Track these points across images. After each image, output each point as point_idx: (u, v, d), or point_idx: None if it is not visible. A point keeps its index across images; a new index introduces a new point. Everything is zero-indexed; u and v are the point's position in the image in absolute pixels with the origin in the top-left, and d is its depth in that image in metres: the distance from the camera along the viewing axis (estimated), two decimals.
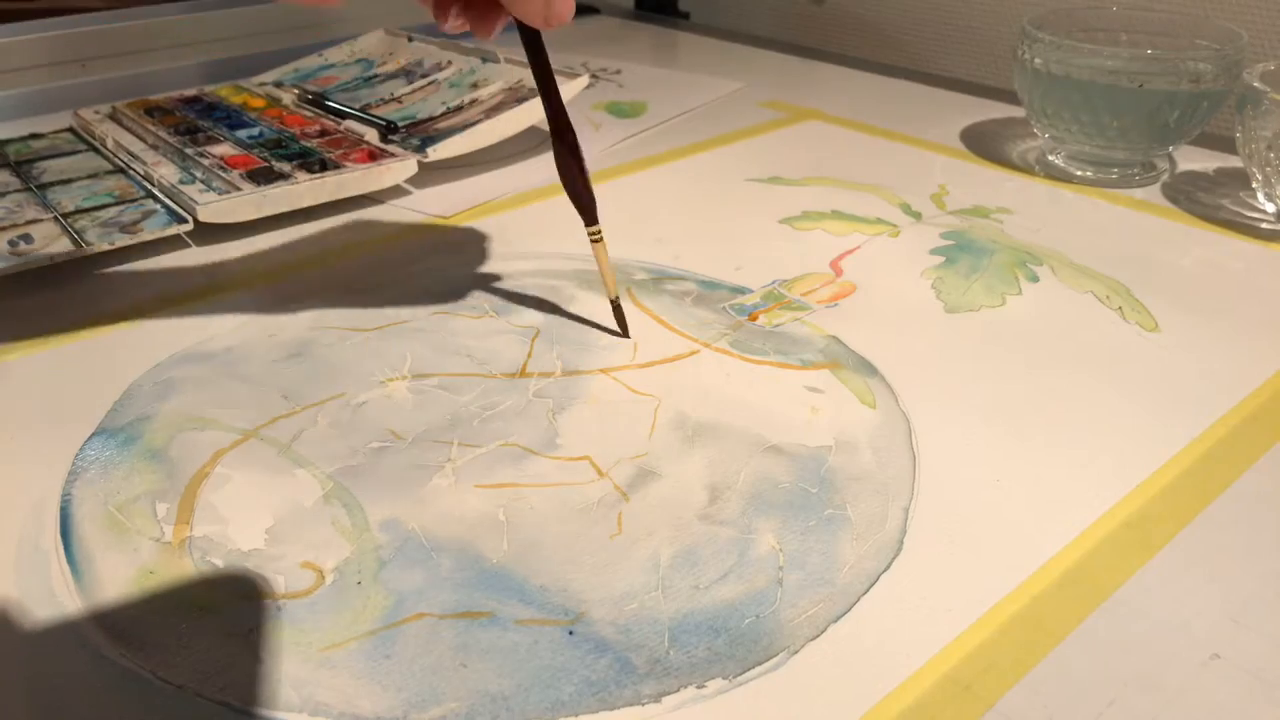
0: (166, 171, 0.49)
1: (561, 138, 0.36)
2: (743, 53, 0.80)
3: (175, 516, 0.29)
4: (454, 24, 0.33)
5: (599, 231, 0.37)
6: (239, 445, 0.32)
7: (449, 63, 0.63)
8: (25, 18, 0.71)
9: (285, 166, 0.49)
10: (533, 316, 0.40)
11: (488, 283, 0.43)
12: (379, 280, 0.43)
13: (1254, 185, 0.49)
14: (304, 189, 0.47)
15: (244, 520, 0.29)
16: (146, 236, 0.44)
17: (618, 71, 0.74)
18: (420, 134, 0.53)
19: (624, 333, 0.38)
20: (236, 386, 0.35)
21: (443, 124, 0.54)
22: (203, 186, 0.47)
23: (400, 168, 0.49)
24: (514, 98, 0.55)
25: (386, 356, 0.37)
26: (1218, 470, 0.31)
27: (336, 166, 0.49)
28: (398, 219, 0.49)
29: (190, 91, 0.62)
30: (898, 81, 0.72)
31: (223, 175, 0.48)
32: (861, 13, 0.88)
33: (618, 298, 0.38)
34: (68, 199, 0.47)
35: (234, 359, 0.37)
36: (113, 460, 0.32)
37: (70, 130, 0.58)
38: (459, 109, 0.56)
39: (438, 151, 0.50)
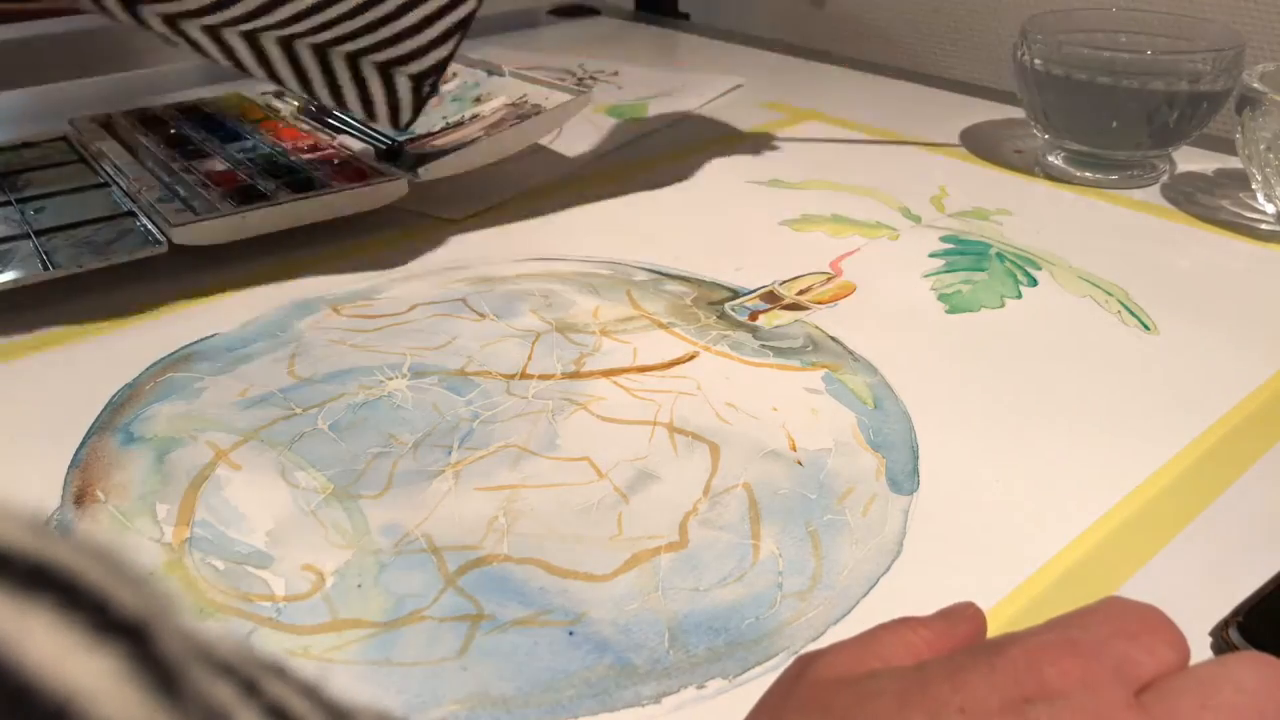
0: (149, 188, 0.48)
1: None
2: (743, 53, 0.80)
3: (175, 518, 0.29)
4: None
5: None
6: (239, 447, 0.32)
7: (454, 75, 0.62)
8: (24, 19, 0.71)
9: (269, 185, 0.48)
10: (533, 319, 0.40)
11: (489, 285, 0.43)
12: (380, 281, 0.43)
13: (1254, 186, 0.49)
14: (284, 210, 0.45)
15: (244, 522, 0.29)
16: (116, 259, 0.42)
17: (616, 73, 0.74)
18: (417, 150, 0.52)
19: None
20: (237, 387, 0.35)
21: (440, 140, 0.53)
22: (180, 206, 0.46)
23: (390, 188, 0.48)
24: (515, 114, 0.54)
25: (387, 358, 0.37)
26: (1218, 470, 0.31)
27: (323, 185, 0.48)
28: (400, 220, 0.49)
29: (190, 100, 0.61)
30: (898, 82, 0.72)
31: (204, 194, 0.46)
32: (861, 13, 0.88)
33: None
34: (47, 215, 0.46)
35: (235, 360, 0.37)
36: (113, 461, 0.32)
37: (64, 139, 0.57)
38: (459, 125, 0.55)
39: (430, 172, 0.49)
